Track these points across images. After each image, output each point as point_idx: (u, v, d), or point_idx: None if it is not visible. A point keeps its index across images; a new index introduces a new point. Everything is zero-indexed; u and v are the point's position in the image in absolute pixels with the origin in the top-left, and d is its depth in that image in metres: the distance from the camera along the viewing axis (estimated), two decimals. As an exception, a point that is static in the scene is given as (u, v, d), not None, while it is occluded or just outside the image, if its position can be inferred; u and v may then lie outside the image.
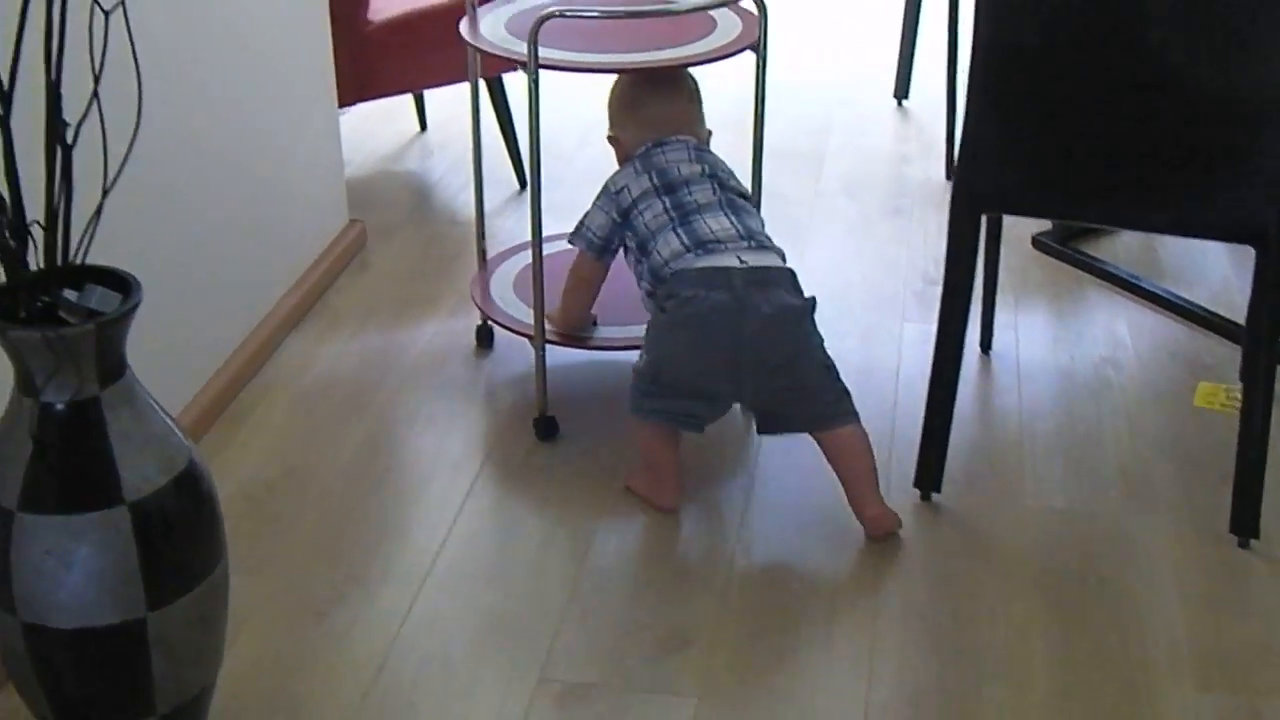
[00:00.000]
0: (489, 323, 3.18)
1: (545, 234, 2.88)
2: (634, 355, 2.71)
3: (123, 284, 1.92)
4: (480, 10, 2.92)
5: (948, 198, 2.57)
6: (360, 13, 3.54)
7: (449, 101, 4.40)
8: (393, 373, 3.13)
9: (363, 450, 2.86)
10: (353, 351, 3.20)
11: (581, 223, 2.78)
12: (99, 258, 1.93)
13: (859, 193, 3.98)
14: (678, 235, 2.59)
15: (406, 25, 3.62)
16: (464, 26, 2.86)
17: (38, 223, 1.86)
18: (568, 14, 2.61)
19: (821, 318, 2.61)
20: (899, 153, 4.23)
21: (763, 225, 2.70)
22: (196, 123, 2.82)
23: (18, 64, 1.80)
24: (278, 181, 3.21)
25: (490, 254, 3.25)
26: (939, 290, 2.60)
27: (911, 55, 4.50)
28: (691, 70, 2.79)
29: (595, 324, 2.92)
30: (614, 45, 2.77)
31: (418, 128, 4.38)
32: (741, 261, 2.53)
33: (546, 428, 2.91)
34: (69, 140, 1.85)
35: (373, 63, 3.61)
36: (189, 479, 1.94)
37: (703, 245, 2.56)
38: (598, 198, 2.77)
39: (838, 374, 2.59)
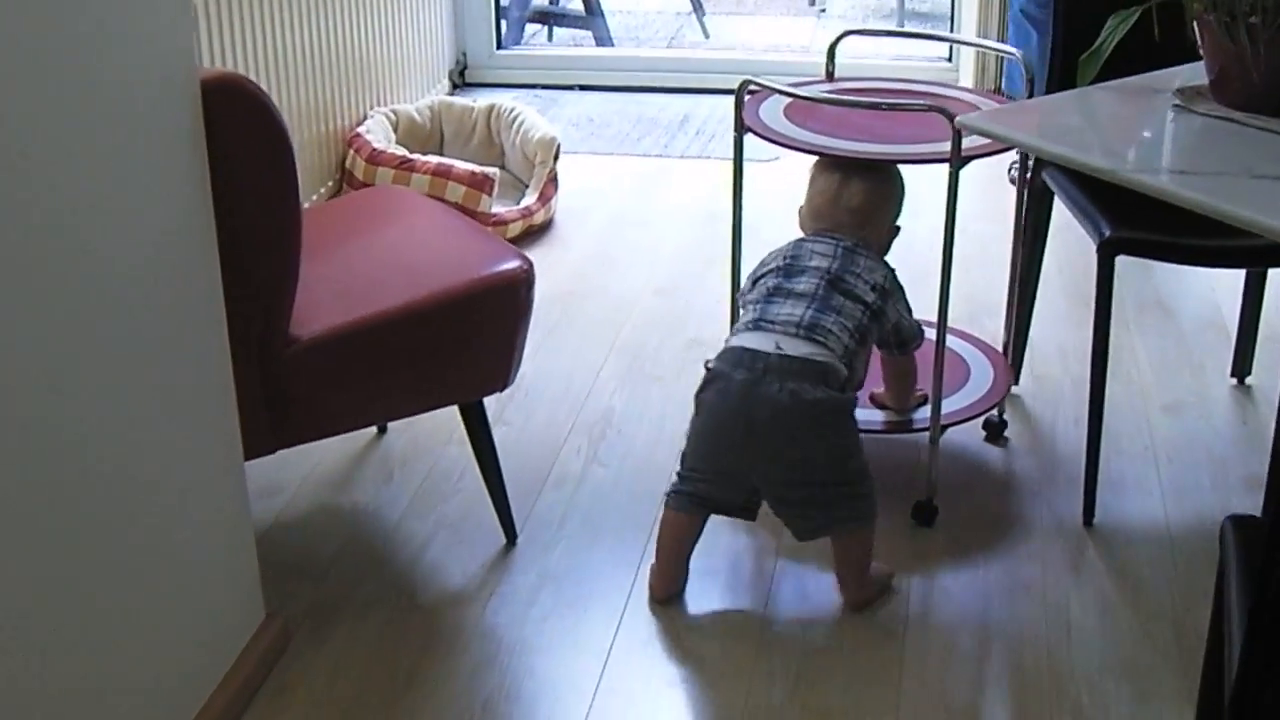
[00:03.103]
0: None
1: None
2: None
3: None
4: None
5: None
6: (277, 329, 2.49)
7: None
8: None
9: None
10: None
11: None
12: None
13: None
14: (754, 309, 2.66)
15: (348, 342, 2.56)
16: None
17: None
18: (761, 84, 2.91)
19: None
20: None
21: (853, 324, 2.64)
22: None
23: None
24: (144, 583, 2.17)
25: None
26: None
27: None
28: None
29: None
30: (847, 131, 2.89)
31: (374, 429, 3.31)
32: (778, 348, 2.56)
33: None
34: None
35: (298, 397, 2.55)
36: None
37: (757, 324, 2.62)
38: None
39: (856, 479, 2.61)
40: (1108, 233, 2.79)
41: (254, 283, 2.44)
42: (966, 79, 5.25)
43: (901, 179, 2.88)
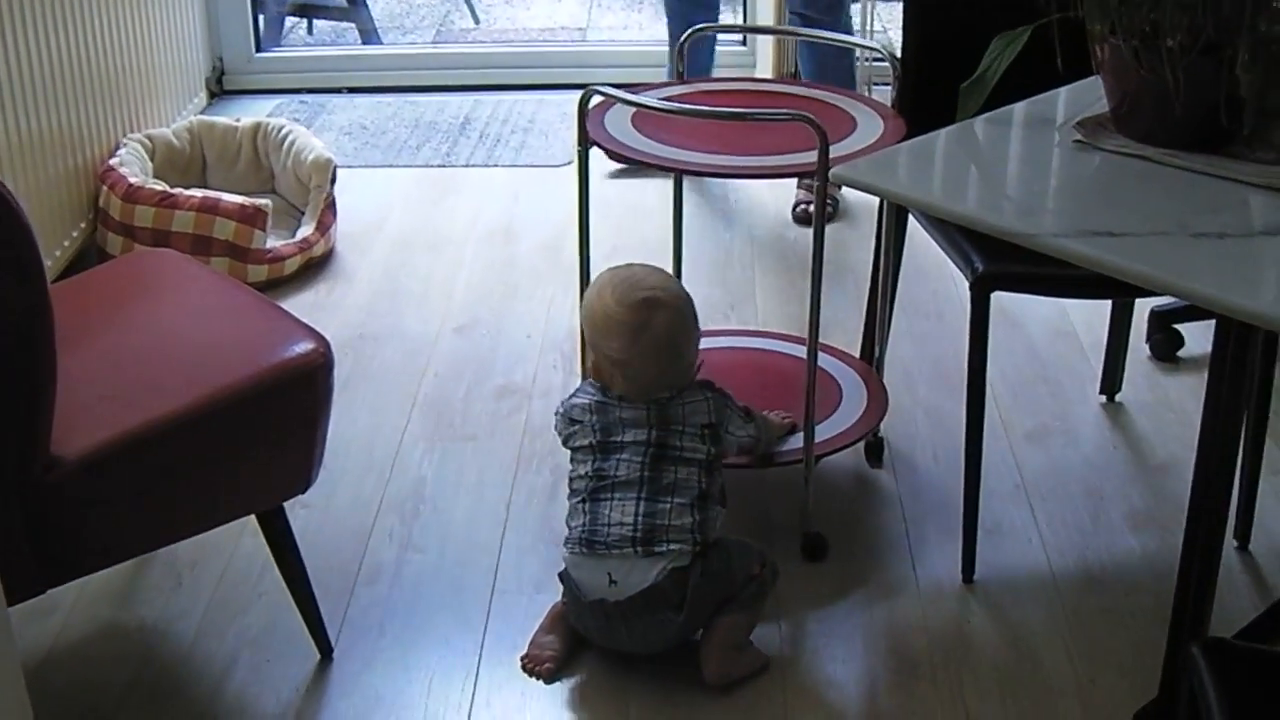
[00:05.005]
0: None
1: None
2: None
3: None
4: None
5: None
6: (35, 450, 2.08)
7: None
8: None
9: None
10: None
11: (561, 405, 2.59)
12: None
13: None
14: (582, 512, 2.44)
15: (122, 459, 2.16)
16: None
17: None
18: (606, 93, 2.59)
19: None
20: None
21: (693, 494, 2.41)
22: None
23: None
24: None
25: None
26: None
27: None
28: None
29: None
30: (703, 142, 2.63)
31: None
32: (611, 582, 2.37)
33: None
34: None
35: (67, 529, 2.14)
36: None
37: (589, 544, 2.40)
38: (568, 398, 2.58)
39: (742, 584, 2.44)
40: (981, 267, 2.50)
41: (2, 399, 2.03)
42: (764, 65, 4.96)
43: (691, 301, 2.57)
